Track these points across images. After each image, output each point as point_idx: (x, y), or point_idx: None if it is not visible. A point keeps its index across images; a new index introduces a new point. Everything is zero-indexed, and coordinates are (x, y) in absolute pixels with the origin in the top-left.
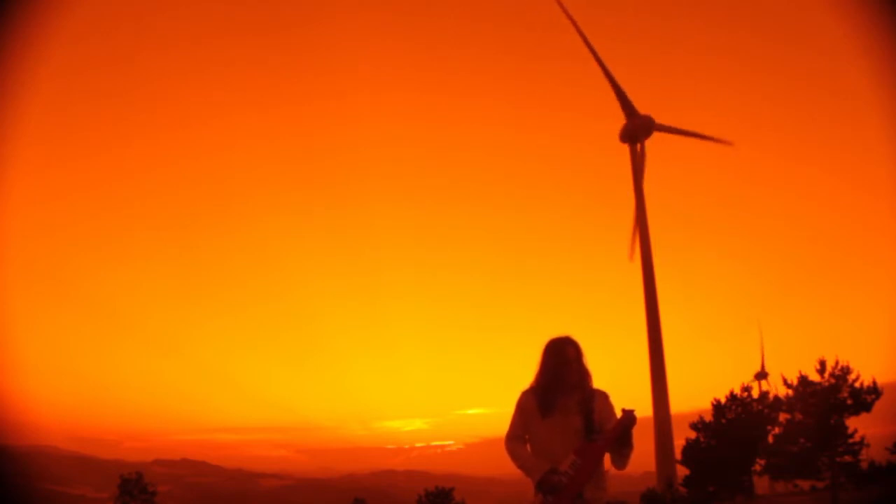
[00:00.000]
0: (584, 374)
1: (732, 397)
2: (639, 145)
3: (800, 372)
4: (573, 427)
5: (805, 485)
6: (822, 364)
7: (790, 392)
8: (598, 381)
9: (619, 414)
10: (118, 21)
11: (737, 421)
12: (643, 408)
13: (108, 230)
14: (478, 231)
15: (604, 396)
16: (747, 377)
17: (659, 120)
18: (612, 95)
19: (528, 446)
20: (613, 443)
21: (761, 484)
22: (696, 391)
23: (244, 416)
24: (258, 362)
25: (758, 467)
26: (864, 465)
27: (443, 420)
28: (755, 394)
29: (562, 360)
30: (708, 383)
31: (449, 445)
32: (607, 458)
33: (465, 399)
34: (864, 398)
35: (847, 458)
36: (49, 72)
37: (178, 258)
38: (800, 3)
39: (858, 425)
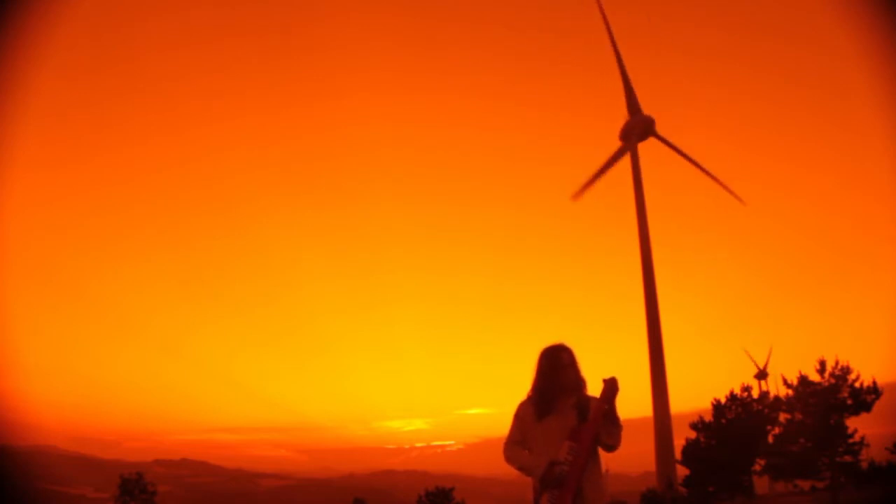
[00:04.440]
0: (579, 380)
1: (732, 397)
2: (634, 142)
3: (800, 372)
4: (569, 427)
5: (805, 485)
6: (822, 364)
7: (790, 392)
8: (598, 383)
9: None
10: (120, 23)
11: (737, 421)
12: (643, 408)
13: (108, 231)
14: (478, 232)
15: (600, 392)
16: (747, 377)
17: (660, 126)
18: (615, 95)
19: (527, 452)
20: (602, 416)
21: (761, 484)
22: (696, 391)
23: (244, 416)
24: (258, 362)
25: (758, 467)
26: (864, 465)
27: (443, 420)
28: (755, 394)
29: (557, 365)
30: (708, 383)
31: (449, 445)
32: (604, 460)
33: (465, 399)
34: (864, 398)
35: (847, 458)
36: (51, 73)
37: (178, 259)
38: (800, 4)
39: (858, 425)
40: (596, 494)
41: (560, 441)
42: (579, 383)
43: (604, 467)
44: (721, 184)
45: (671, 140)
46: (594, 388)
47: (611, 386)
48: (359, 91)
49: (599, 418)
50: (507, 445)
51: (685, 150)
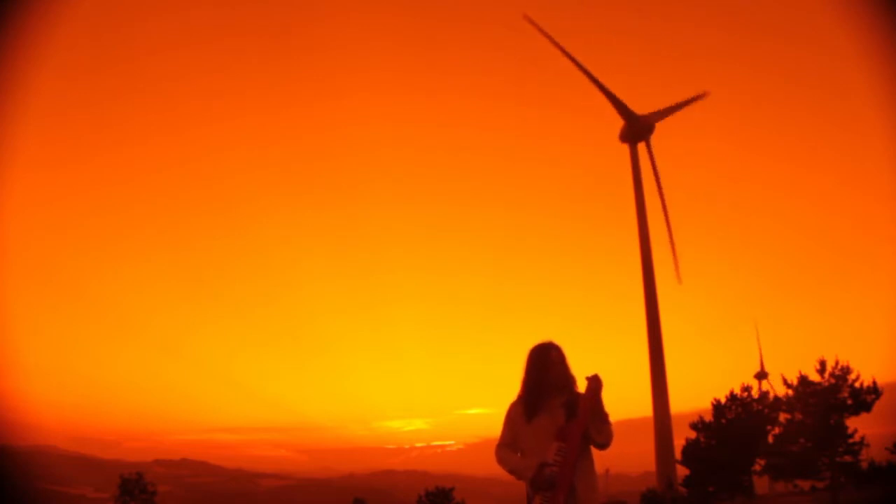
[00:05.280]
0: (568, 378)
1: (732, 397)
2: (639, 145)
3: (800, 372)
4: (559, 426)
5: (805, 485)
6: (822, 364)
7: (790, 392)
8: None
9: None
10: (120, 23)
11: (737, 421)
12: (643, 408)
13: (108, 231)
14: (478, 232)
15: (585, 390)
16: (747, 377)
17: (660, 127)
18: (615, 94)
19: (518, 453)
20: (589, 415)
21: (761, 484)
22: (696, 391)
23: (244, 416)
24: (258, 362)
25: (758, 467)
26: (864, 465)
27: (443, 420)
28: (755, 394)
29: (546, 363)
30: (708, 383)
31: (449, 445)
32: (604, 460)
33: (465, 399)
34: (864, 398)
35: (847, 458)
36: (51, 73)
37: (178, 259)
38: (800, 4)
39: (858, 425)
40: (589, 492)
41: (550, 441)
42: (569, 381)
43: (604, 467)
44: (672, 245)
45: (664, 154)
46: (581, 384)
47: (594, 383)
48: (359, 91)
49: (586, 416)
50: (498, 447)
51: (684, 153)
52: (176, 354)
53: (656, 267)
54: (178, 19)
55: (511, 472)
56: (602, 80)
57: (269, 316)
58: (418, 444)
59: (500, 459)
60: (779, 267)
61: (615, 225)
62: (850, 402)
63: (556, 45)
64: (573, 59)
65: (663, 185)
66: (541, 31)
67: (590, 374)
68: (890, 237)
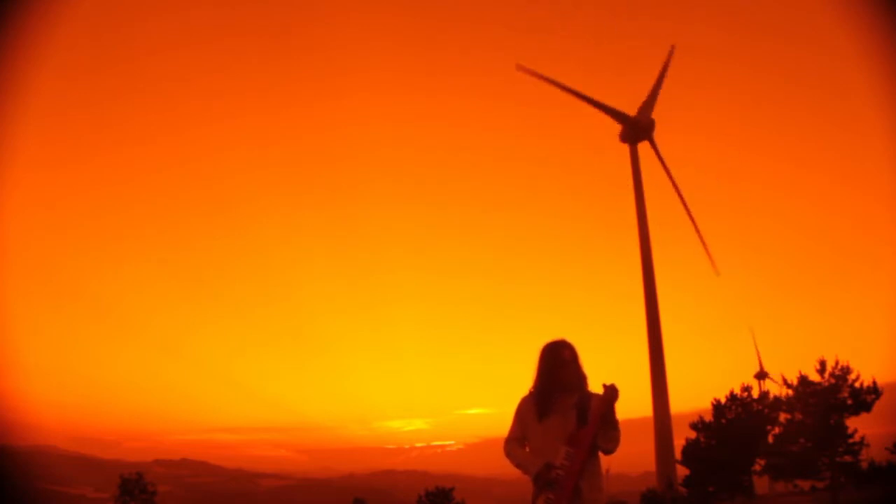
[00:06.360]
0: (581, 376)
1: (732, 397)
2: (640, 145)
3: (800, 372)
4: (569, 428)
5: (805, 485)
6: (822, 364)
7: (790, 392)
8: (599, 382)
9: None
10: (120, 23)
11: (737, 421)
12: (643, 408)
13: (108, 231)
14: (478, 232)
15: (599, 397)
16: (747, 377)
17: (660, 126)
18: (615, 95)
19: (528, 448)
20: (600, 422)
21: (761, 484)
22: (696, 391)
23: (244, 416)
24: (258, 362)
25: (758, 467)
26: (864, 465)
27: (443, 420)
28: (755, 394)
29: (558, 362)
30: (708, 383)
31: (449, 445)
32: (604, 461)
33: (465, 399)
34: (864, 398)
35: (847, 458)
36: (51, 73)
37: (178, 259)
38: (800, 4)
39: (858, 425)
40: (594, 493)
41: (559, 441)
42: (581, 380)
43: (605, 467)
44: (702, 241)
45: (664, 154)
46: (596, 387)
47: (611, 392)
48: (359, 91)
49: (597, 422)
50: (507, 441)
51: (684, 152)
52: (176, 354)
53: (656, 267)
54: (178, 19)
55: (518, 465)
56: (600, 80)
57: (269, 316)
58: (418, 444)
59: (508, 453)
60: (779, 267)
61: (615, 225)
62: (850, 402)
63: (550, 81)
64: (562, 87)
65: (663, 182)
66: (535, 74)
67: (608, 382)
68: (890, 237)
